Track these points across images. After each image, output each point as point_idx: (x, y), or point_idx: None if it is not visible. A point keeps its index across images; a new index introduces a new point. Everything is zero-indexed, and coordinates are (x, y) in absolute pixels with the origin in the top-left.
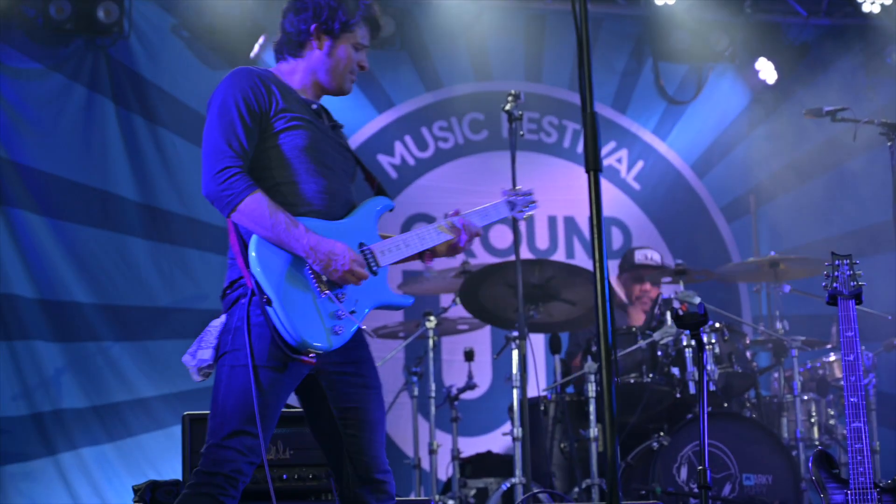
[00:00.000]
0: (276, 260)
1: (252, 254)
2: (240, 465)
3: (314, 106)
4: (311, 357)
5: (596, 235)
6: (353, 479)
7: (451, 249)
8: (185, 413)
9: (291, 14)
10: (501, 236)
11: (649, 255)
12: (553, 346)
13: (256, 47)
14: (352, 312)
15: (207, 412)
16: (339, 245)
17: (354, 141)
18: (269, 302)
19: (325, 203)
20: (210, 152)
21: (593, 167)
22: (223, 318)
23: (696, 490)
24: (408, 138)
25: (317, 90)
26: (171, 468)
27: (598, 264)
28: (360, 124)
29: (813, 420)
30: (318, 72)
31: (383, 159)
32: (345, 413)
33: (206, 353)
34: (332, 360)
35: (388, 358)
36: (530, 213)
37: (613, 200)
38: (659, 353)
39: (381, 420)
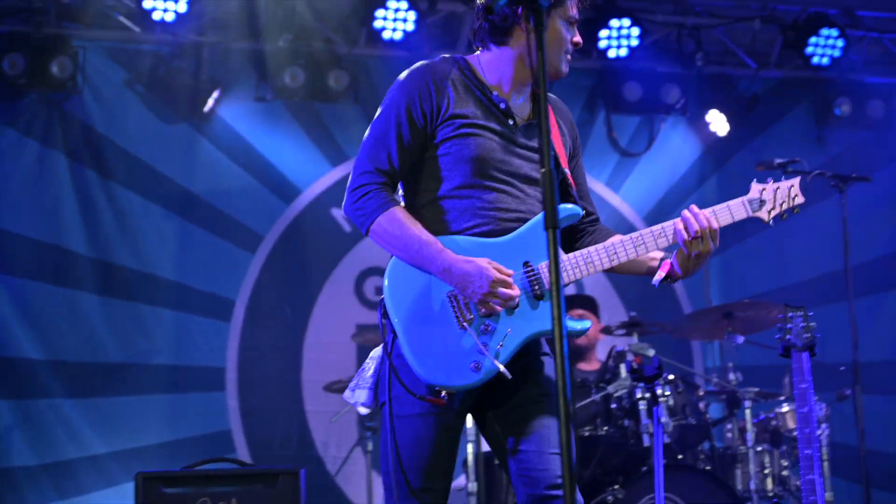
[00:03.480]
0: (413, 284)
1: (386, 278)
2: None
3: (502, 105)
4: (444, 397)
5: (555, 293)
6: (521, 498)
7: (685, 261)
8: (139, 472)
9: None
10: None
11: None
12: None
13: (211, 101)
14: (500, 346)
15: (162, 470)
16: (475, 265)
17: (308, 195)
18: (394, 333)
19: (489, 220)
20: (355, 167)
21: (552, 225)
22: (380, 349)
23: None
24: None
25: (523, 78)
26: None
27: (556, 321)
28: (314, 178)
29: (767, 471)
30: (529, 58)
31: (337, 213)
32: (506, 427)
33: (363, 396)
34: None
35: (342, 413)
36: (788, 213)
37: None
38: (613, 405)
39: (547, 428)
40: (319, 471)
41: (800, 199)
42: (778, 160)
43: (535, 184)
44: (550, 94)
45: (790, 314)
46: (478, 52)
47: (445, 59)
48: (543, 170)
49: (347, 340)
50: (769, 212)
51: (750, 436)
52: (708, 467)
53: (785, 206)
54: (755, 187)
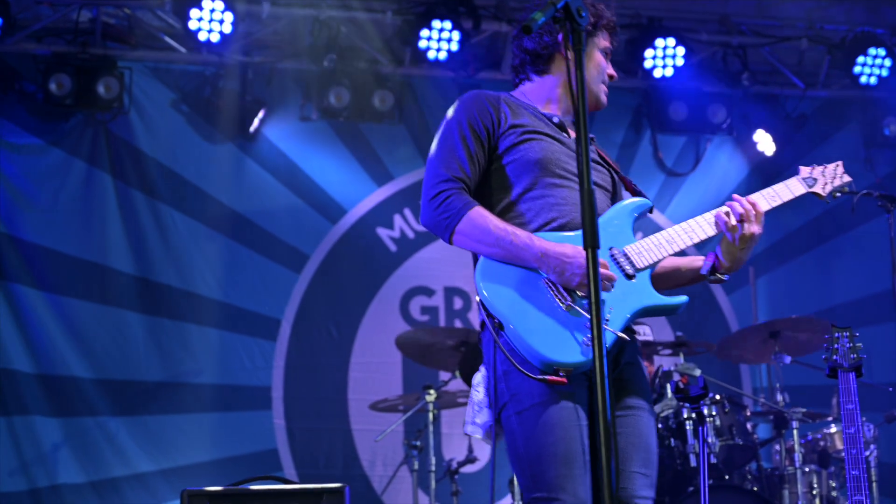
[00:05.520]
0: (507, 280)
1: (478, 279)
2: None
3: (555, 119)
4: (562, 376)
5: (595, 313)
6: None
7: (730, 248)
8: (184, 489)
9: None
10: None
11: (640, 331)
12: None
13: (256, 121)
14: (606, 321)
15: (206, 488)
16: (571, 246)
17: (353, 214)
18: (500, 327)
19: (566, 213)
20: (427, 180)
21: (591, 244)
22: (483, 371)
23: None
24: (407, 211)
25: (569, 104)
26: None
27: (596, 341)
28: (359, 198)
29: (815, 492)
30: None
31: (383, 232)
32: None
33: (485, 415)
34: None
35: (387, 432)
36: (839, 190)
37: None
38: (659, 425)
39: (637, 445)
40: (366, 489)
41: (847, 178)
42: None
43: (597, 186)
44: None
45: (837, 334)
46: (520, 86)
47: (488, 91)
48: (585, 188)
49: (393, 360)
50: (823, 187)
51: (797, 456)
52: (755, 488)
53: (837, 183)
54: (804, 169)
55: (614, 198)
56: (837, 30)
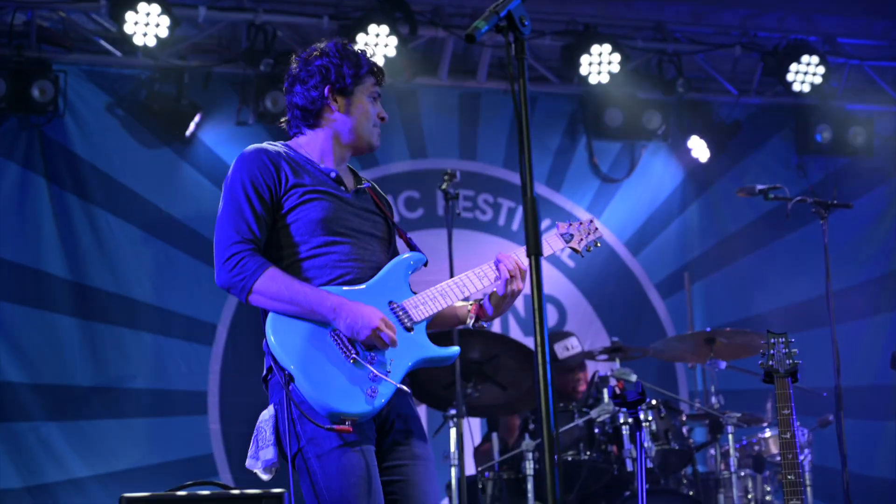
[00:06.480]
0: (295, 333)
1: (269, 335)
2: None
3: (332, 174)
4: (348, 425)
5: (538, 321)
6: None
7: (499, 301)
8: (122, 495)
9: (298, 86)
10: None
11: (569, 345)
12: (490, 424)
13: (192, 126)
14: (387, 373)
15: (144, 493)
16: (364, 306)
17: None
18: (291, 378)
19: (349, 270)
20: (219, 242)
21: (534, 252)
22: (271, 409)
23: None
24: None
25: (341, 154)
26: None
27: (539, 348)
28: None
29: (749, 496)
30: (342, 135)
31: None
32: (390, 486)
33: (269, 453)
34: (381, 431)
35: None
36: (592, 244)
37: (548, 278)
38: (596, 430)
39: (429, 493)
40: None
41: (598, 234)
42: (759, 186)
43: (375, 238)
44: (369, 180)
45: (772, 340)
46: (295, 138)
47: (271, 143)
48: (528, 197)
49: None
50: (579, 242)
51: (733, 461)
52: (691, 492)
53: (590, 238)
54: (561, 225)
55: (389, 246)
56: (771, 37)
